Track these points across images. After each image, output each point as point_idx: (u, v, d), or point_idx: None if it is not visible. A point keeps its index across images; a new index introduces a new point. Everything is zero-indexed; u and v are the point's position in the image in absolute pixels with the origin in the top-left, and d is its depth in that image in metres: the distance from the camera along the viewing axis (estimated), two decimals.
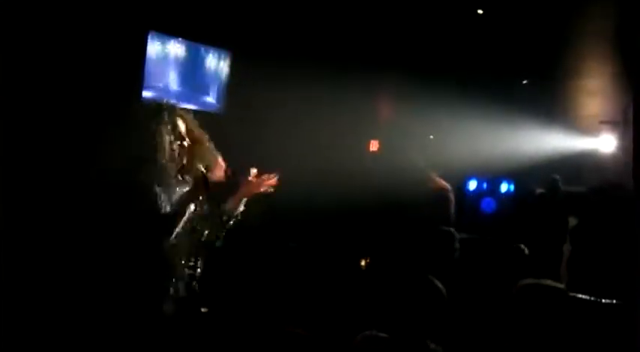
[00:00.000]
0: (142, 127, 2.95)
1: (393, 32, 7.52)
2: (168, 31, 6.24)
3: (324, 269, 4.77)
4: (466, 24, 7.44)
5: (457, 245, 4.15)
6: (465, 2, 7.01)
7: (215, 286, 3.38)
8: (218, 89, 6.86)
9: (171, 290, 2.97)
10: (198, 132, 3.20)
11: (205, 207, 3.15)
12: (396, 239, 5.66)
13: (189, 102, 6.47)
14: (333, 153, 7.10)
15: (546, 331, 2.61)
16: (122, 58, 5.63)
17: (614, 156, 8.93)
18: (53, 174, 4.81)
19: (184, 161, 3.10)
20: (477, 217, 8.88)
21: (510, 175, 9.39)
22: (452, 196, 5.59)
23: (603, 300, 4.17)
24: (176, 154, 3.04)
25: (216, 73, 6.80)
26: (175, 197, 2.97)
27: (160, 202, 2.90)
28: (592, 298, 4.13)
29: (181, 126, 3.09)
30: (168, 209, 2.93)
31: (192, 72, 6.53)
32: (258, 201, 3.46)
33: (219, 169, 3.27)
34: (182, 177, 3.10)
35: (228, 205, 3.28)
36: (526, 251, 3.91)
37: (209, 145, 3.22)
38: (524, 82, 9.30)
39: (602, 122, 9.30)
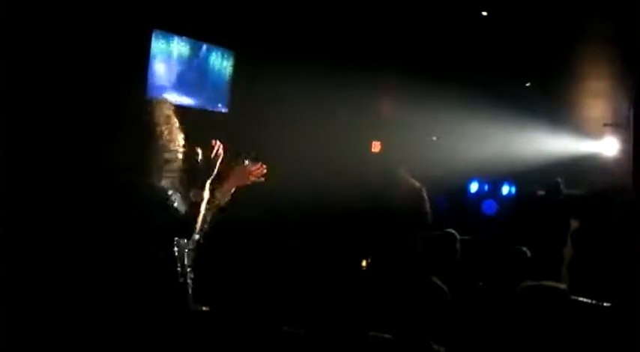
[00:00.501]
0: (147, 125, 2.93)
1: (399, 33, 7.52)
2: (172, 30, 6.25)
3: (325, 268, 4.76)
4: (471, 25, 7.44)
5: (458, 246, 4.15)
6: (470, 3, 7.01)
7: (215, 284, 3.38)
8: (221, 88, 6.86)
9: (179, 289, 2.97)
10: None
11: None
12: (396, 240, 5.66)
13: (192, 100, 6.48)
14: (335, 151, 7.11)
15: (548, 332, 2.61)
16: (126, 55, 5.63)
17: (617, 159, 8.92)
18: (56, 173, 4.81)
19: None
20: (478, 219, 8.88)
21: (512, 177, 9.39)
22: (425, 194, 5.65)
23: (604, 303, 4.17)
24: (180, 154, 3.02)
25: (220, 71, 6.80)
26: (185, 199, 2.96)
27: (175, 205, 2.89)
28: (593, 301, 4.13)
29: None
30: (183, 211, 2.91)
31: (195, 70, 6.54)
32: (255, 197, 3.45)
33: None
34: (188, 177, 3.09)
35: (218, 194, 3.26)
36: (528, 253, 3.91)
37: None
38: (527, 84, 9.29)
39: (605, 125, 9.29)
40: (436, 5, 6.98)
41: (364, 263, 6.29)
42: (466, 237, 4.69)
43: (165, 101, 3.11)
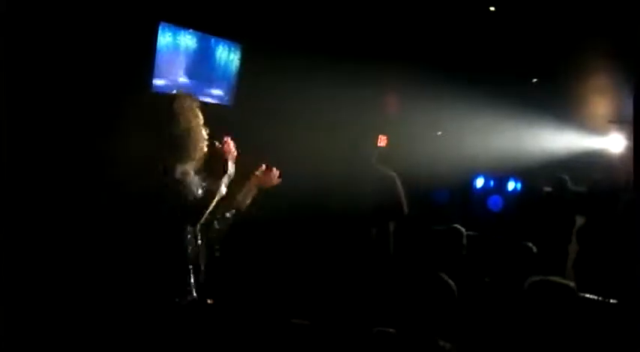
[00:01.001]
0: (157, 117, 2.95)
1: (406, 27, 7.50)
2: (180, 23, 6.24)
3: (333, 263, 4.78)
4: (477, 21, 7.42)
5: (465, 242, 4.16)
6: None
7: (221, 278, 3.39)
8: (228, 81, 6.86)
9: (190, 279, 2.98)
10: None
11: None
12: (404, 235, 5.66)
13: (198, 94, 6.47)
14: (341, 146, 7.09)
15: (554, 328, 2.61)
16: (133, 49, 5.63)
17: (622, 156, 8.90)
18: (64, 167, 4.82)
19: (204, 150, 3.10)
20: (483, 215, 8.88)
21: (518, 173, 9.38)
22: (399, 183, 5.39)
23: (609, 300, 4.18)
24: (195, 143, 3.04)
25: (227, 65, 6.80)
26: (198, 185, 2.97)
27: (186, 191, 2.90)
28: (599, 298, 4.14)
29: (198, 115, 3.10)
30: (196, 193, 2.92)
31: (202, 64, 6.53)
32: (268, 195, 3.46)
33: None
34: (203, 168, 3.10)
35: (239, 196, 3.29)
36: (534, 249, 3.91)
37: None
38: (534, 80, 9.27)
39: (611, 121, 9.27)
40: (443, 0, 6.97)
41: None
42: (472, 233, 4.70)
43: (189, 95, 3.12)
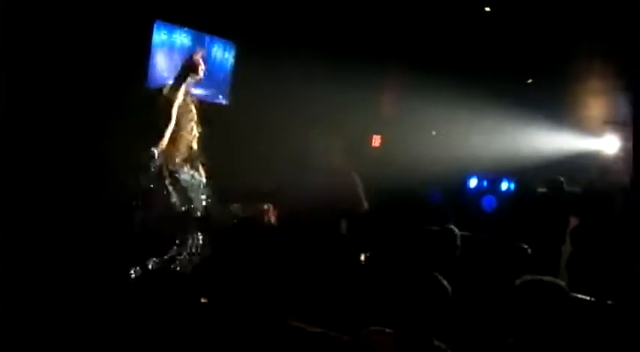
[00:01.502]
0: (151, 112, 2.94)
1: (401, 26, 7.50)
2: (175, 21, 6.23)
3: (327, 263, 4.76)
4: (473, 21, 7.43)
5: (458, 242, 4.15)
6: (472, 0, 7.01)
7: (214, 277, 3.38)
8: (223, 80, 6.85)
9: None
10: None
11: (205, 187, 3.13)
12: (397, 235, 5.64)
13: (193, 92, 6.46)
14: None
15: (546, 327, 2.62)
16: (128, 47, 5.62)
17: (617, 157, 8.93)
18: (57, 165, 4.80)
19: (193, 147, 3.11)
20: (477, 215, 8.88)
21: (511, 174, 9.39)
22: (357, 180, 5.25)
23: (602, 301, 4.19)
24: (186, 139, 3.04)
25: (222, 63, 6.79)
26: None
27: (170, 198, 2.90)
28: (592, 299, 4.15)
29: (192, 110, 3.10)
30: (181, 207, 2.94)
31: None
32: None
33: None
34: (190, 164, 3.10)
35: (236, 208, 3.26)
36: (529, 251, 3.92)
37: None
38: (529, 81, 9.29)
39: (605, 122, 9.29)
40: (438, 1, 6.98)
41: (362, 257, 6.28)
42: (466, 234, 4.70)
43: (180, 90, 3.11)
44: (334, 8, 6.96)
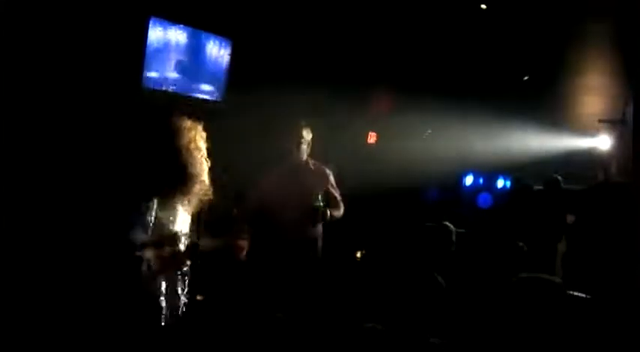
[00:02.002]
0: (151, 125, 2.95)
1: (395, 25, 7.50)
2: (170, 18, 6.21)
3: (324, 260, 4.76)
4: (469, 18, 7.42)
5: (454, 239, 4.15)
6: None
7: (210, 275, 3.38)
8: (218, 78, 6.83)
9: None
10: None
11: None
12: (392, 232, 5.65)
13: (188, 90, 6.45)
14: (332, 144, 7.08)
15: (542, 324, 2.62)
16: (123, 43, 5.60)
17: (612, 155, 8.95)
18: (51, 167, 4.77)
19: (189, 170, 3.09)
20: (473, 212, 8.90)
21: (507, 171, 9.41)
22: (332, 177, 5.13)
23: (597, 298, 4.20)
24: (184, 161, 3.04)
25: (217, 61, 6.77)
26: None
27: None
28: (586, 295, 4.16)
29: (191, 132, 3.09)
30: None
31: (192, 59, 6.50)
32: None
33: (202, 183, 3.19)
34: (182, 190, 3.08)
35: (204, 242, 3.20)
36: (525, 248, 3.92)
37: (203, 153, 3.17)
38: (525, 78, 9.30)
39: (600, 120, 9.31)
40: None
41: (358, 254, 6.30)
42: (462, 230, 4.70)
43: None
44: (330, 6, 6.95)
